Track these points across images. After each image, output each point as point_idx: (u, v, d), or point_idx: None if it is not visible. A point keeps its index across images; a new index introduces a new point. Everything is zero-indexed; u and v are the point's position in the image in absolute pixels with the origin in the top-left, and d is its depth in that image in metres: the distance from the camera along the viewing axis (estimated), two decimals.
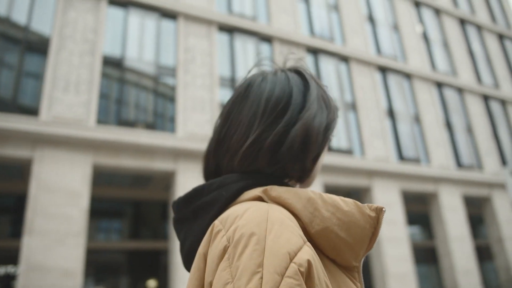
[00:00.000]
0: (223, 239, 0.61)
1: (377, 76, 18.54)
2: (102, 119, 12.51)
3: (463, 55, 22.22)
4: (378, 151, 16.59)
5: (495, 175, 19.79)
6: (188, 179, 12.80)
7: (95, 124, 12.08)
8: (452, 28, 22.56)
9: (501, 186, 19.69)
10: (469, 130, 20.58)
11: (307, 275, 0.58)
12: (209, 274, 0.61)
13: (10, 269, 12.75)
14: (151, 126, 13.03)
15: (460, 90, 21.13)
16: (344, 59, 17.87)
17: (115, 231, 16.57)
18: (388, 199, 16.02)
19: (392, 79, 18.76)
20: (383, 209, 0.67)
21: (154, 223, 15.84)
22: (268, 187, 0.70)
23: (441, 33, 22.23)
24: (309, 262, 0.58)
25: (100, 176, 13.64)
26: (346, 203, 0.67)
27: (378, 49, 19.23)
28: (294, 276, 0.55)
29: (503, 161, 21.00)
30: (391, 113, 18.14)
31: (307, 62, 16.71)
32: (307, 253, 0.59)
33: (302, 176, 0.78)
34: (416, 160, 17.64)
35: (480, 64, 22.81)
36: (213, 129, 0.90)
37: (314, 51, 17.15)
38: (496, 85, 22.91)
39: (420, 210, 19.50)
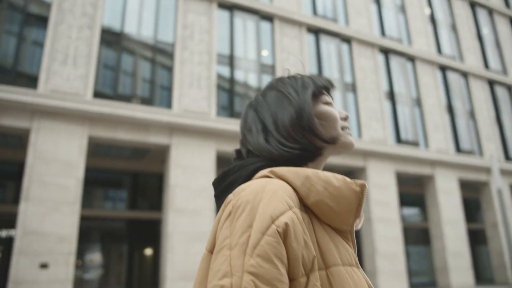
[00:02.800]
0: (230, 206, 0.78)
1: (380, 57, 18.41)
2: (99, 93, 12.82)
3: (471, 38, 21.82)
4: (375, 132, 16.65)
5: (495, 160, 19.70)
6: (182, 153, 13.12)
7: (92, 97, 12.39)
8: (462, 11, 22.09)
9: (500, 171, 19.64)
10: (472, 115, 20.41)
11: (285, 234, 0.71)
12: (218, 231, 0.77)
13: (12, 232, 13.40)
14: (147, 101, 13.31)
15: (465, 74, 20.85)
16: (347, 39, 17.76)
17: (113, 200, 17.12)
18: (383, 180, 16.18)
19: (395, 61, 18.61)
20: (366, 184, 0.83)
21: (151, 195, 16.30)
22: (276, 168, 0.85)
23: (450, 16, 21.80)
24: (286, 224, 0.72)
25: (100, 147, 14.07)
26: (337, 179, 0.82)
27: (383, 31, 19.03)
28: (272, 234, 0.70)
29: (505, 147, 20.85)
30: (391, 95, 18.09)
31: (308, 42, 16.70)
32: (288, 217, 0.73)
33: (305, 158, 0.93)
34: (414, 143, 17.67)
35: (488, 48, 22.38)
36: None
37: (316, 31, 17.07)
38: (504, 70, 22.52)
39: (416, 192, 19.63)
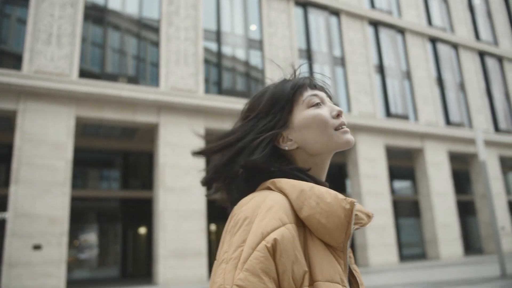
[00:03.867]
0: (232, 220, 0.81)
1: (369, 30, 18.23)
2: (84, 72, 12.65)
3: (462, 9, 21.61)
4: (364, 106, 16.64)
5: (484, 132, 19.84)
6: (170, 132, 13.09)
7: (77, 77, 12.24)
8: None
9: (490, 143, 19.80)
10: (462, 87, 20.41)
11: (273, 250, 0.74)
12: (221, 244, 0.82)
13: (4, 215, 13.45)
14: (134, 80, 13.17)
15: (455, 46, 20.75)
16: (335, 12, 17.53)
17: (105, 180, 17.15)
18: (372, 154, 16.28)
19: (385, 34, 18.45)
20: (355, 202, 0.81)
21: (143, 173, 16.34)
22: (276, 179, 0.86)
23: None
24: (275, 240, 0.74)
25: (89, 127, 13.99)
26: (330, 195, 0.81)
27: (372, 3, 18.78)
28: (261, 250, 0.73)
29: (494, 119, 20.96)
30: (381, 69, 18.01)
31: (296, 15, 16.46)
32: (278, 233, 0.75)
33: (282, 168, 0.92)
34: (404, 117, 17.71)
35: (480, 19, 22.20)
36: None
37: (304, 4, 16.81)
38: (495, 41, 22.40)
39: (407, 165, 19.81)
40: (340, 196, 0.82)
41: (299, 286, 0.75)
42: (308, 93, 0.95)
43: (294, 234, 0.77)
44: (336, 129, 0.93)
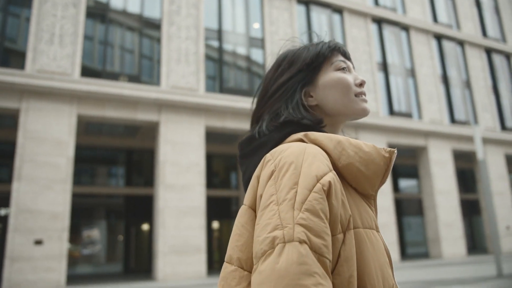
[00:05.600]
0: (272, 165, 0.81)
1: (373, 27, 18.13)
2: (86, 71, 12.85)
3: (469, 6, 21.33)
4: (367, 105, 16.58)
5: (490, 131, 19.61)
6: (171, 130, 13.23)
7: (79, 76, 12.45)
8: None
9: (495, 142, 19.57)
10: (467, 84, 20.18)
11: (328, 192, 0.76)
12: (260, 189, 0.81)
13: (7, 211, 13.75)
14: (135, 78, 13.33)
15: (461, 43, 20.51)
16: (338, 10, 17.47)
17: (108, 177, 17.40)
18: None
19: (389, 31, 18.33)
20: (395, 151, 0.87)
21: (146, 171, 16.53)
22: (309, 132, 0.88)
23: None
24: (330, 183, 0.76)
25: (92, 125, 14.22)
26: (367, 146, 0.86)
27: (376, 0, 18.66)
28: (318, 191, 0.74)
29: (501, 117, 20.69)
30: (384, 66, 17.90)
31: (298, 13, 16.47)
32: (330, 177, 0.77)
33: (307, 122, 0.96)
34: (408, 115, 17.60)
35: (487, 15, 21.90)
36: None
37: (306, 2, 16.79)
38: (503, 37, 22.09)
39: (411, 164, 19.70)
40: (377, 146, 0.87)
41: (344, 229, 0.78)
42: (338, 58, 1.01)
43: (339, 180, 0.81)
44: (357, 95, 0.99)
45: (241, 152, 0.98)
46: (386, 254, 0.88)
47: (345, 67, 1.00)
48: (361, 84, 1.00)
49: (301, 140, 0.87)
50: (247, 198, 0.85)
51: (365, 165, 0.84)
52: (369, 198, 0.89)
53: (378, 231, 0.87)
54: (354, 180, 0.85)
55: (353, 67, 1.04)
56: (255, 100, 1.05)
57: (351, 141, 0.86)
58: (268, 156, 0.85)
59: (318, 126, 0.94)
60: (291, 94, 0.97)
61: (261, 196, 0.80)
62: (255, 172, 0.86)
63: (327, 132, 0.94)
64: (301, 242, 0.69)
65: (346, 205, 0.80)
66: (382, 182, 0.88)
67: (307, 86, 0.99)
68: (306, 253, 0.69)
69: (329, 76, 0.98)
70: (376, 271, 0.81)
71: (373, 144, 0.86)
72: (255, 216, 0.82)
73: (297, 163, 0.78)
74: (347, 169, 0.83)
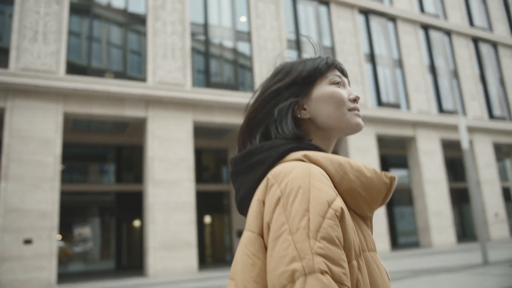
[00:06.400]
0: (277, 191, 0.78)
1: (360, 19, 18.14)
2: (72, 69, 12.77)
3: None
4: None
5: (478, 119, 19.78)
6: (159, 125, 13.21)
7: (64, 73, 12.36)
8: None
9: (484, 130, 19.75)
10: (455, 74, 20.31)
11: (341, 218, 0.75)
12: (267, 216, 0.78)
13: None
14: (121, 75, 13.27)
15: (448, 33, 20.60)
16: (325, 2, 17.45)
17: (99, 174, 17.35)
18: (363, 143, 16.32)
19: (376, 22, 18.36)
20: (395, 177, 0.86)
21: (136, 167, 16.50)
22: (309, 152, 0.86)
23: None
24: (342, 209, 0.76)
25: (79, 122, 14.15)
26: (368, 170, 0.85)
27: None
28: (332, 218, 0.73)
29: (489, 106, 20.86)
30: (371, 57, 17.95)
31: (285, 6, 16.44)
32: (340, 202, 0.77)
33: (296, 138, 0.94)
34: (396, 105, 17.69)
35: (473, 4, 21.99)
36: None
37: None
38: (490, 26, 22.20)
39: (401, 154, 19.84)
40: (378, 171, 0.87)
41: (357, 255, 0.78)
42: (335, 72, 1.01)
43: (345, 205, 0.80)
44: (350, 110, 0.98)
45: (234, 169, 0.95)
46: (386, 274, 0.88)
47: (339, 82, 1.00)
48: (355, 100, 0.99)
49: (301, 160, 0.85)
50: (253, 225, 0.81)
51: (366, 190, 0.84)
52: (366, 219, 0.89)
53: (376, 252, 0.87)
54: (354, 203, 0.84)
55: (349, 84, 1.04)
56: (249, 107, 1.02)
57: (352, 164, 0.85)
58: (271, 179, 0.82)
59: (307, 141, 0.93)
60: (284, 106, 0.96)
61: (268, 224, 0.78)
62: (258, 195, 0.83)
63: (320, 146, 0.93)
64: (323, 272, 0.68)
65: (355, 231, 0.80)
66: (381, 205, 0.89)
67: (301, 99, 0.98)
68: (329, 283, 0.67)
69: (323, 89, 0.98)
70: None
71: (374, 168, 0.86)
72: (265, 244, 0.79)
73: (305, 187, 0.76)
74: (348, 193, 0.83)
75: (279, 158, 0.88)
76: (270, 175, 0.83)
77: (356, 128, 0.98)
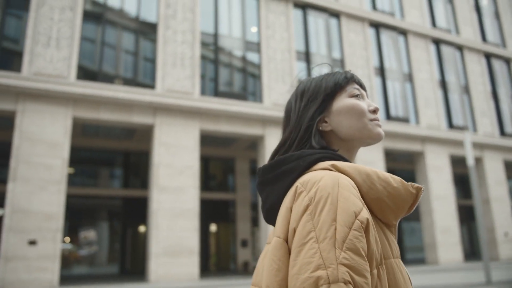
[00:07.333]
0: (306, 198, 0.80)
1: (370, 32, 18.16)
2: (82, 74, 13.02)
3: (469, 10, 21.30)
4: None
5: (488, 136, 19.54)
6: (166, 132, 13.36)
7: (75, 79, 12.62)
8: None
9: (493, 147, 19.49)
10: (466, 89, 20.13)
11: (366, 229, 0.77)
12: (293, 222, 0.80)
13: (1, 211, 13.90)
14: (130, 81, 13.48)
15: (460, 48, 20.47)
16: (335, 14, 17.53)
17: (106, 179, 17.55)
18: (370, 157, 16.23)
19: (386, 36, 18.36)
20: (422, 188, 0.88)
21: (143, 173, 16.66)
22: (337, 162, 0.89)
23: None
24: (368, 220, 0.78)
25: (89, 127, 14.38)
26: (395, 180, 0.87)
27: (374, 5, 18.70)
28: (358, 229, 0.75)
29: (500, 123, 20.60)
30: (381, 71, 17.92)
31: (295, 17, 16.57)
32: (366, 213, 0.79)
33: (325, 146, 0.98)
34: (404, 119, 17.59)
35: (486, 20, 21.84)
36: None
37: (303, 6, 16.88)
38: (503, 42, 22.01)
39: (408, 169, 19.65)
40: (404, 181, 0.89)
41: (378, 264, 0.81)
42: (353, 85, 1.04)
43: (370, 215, 0.83)
44: (371, 120, 1.01)
45: (261, 179, 0.97)
46: (409, 280, 0.90)
47: (358, 94, 1.03)
48: (374, 111, 1.02)
49: (329, 170, 0.87)
50: (280, 231, 0.84)
51: (393, 200, 0.86)
52: (391, 227, 0.91)
53: (400, 258, 0.90)
54: (380, 212, 0.87)
55: (367, 96, 1.07)
56: (284, 132, 1.06)
57: (379, 174, 0.87)
58: (300, 187, 0.84)
59: (334, 152, 0.95)
60: (311, 123, 1.00)
61: (294, 229, 0.80)
62: (286, 203, 0.86)
63: (345, 157, 0.96)
64: (346, 283, 0.70)
65: (378, 240, 0.83)
66: (407, 214, 0.91)
67: (322, 113, 1.01)
68: None
69: (343, 102, 1.01)
70: None
71: (401, 179, 0.88)
72: (289, 249, 0.82)
73: (333, 197, 0.78)
74: (375, 202, 0.85)
75: (307, 167, 0.90)
76: (299, 183, 0.85)
77: (377, 138, 1.01)
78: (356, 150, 1.04)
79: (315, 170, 0.88)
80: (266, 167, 0.96)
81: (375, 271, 0.78)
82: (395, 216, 0.88)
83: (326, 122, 1.01)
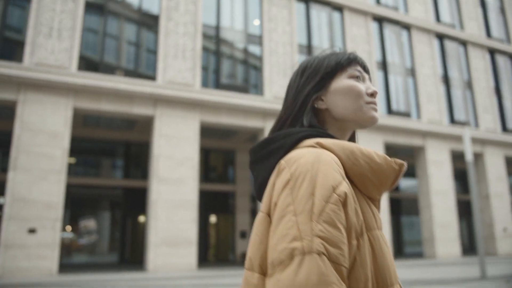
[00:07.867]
0: (287, 174, 0.82)
1: (373, 26, 18.07)
2: (83, 65, 13.09)
3: (473, 5, 21.12)
4: None
5: (490, 132, 19.48)
6: (166, 124, 13.42)
7: (76, 69, 12.68)
8: None
9: (495, 143, 19.44)
10: (469, 85, 20.03)
11: (344, 202, 0.79)
12: (275, 196, 0.83)
13: (2, 200, 14.06)
14: (131, 73, 13.53)
15: (464, 43, 20.34)
16: (338, 8, 17.45)
17: (106, 169, 17.68)
18: None
19: (389, 30, 18.26)
20: (404, 163, 0.90)
21: (143, 164, 16.76)
22: (322, 140, 0.90)
23: None
24: (345, 194, 0.79)
25: (90, 118, 14.47)
26: (378, 157, 0.88)
27: None
28: (335, 202, 0.77)
29: (503, 119, 20.51)
30: (383, 65, 17.86)
31: (298, 11, 16.52)
32: (345, 187, 0.80)
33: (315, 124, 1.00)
34: (406, 114, 17.56)
35: (491, 15, 21.66)
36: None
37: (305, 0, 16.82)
38: (507, 38, 21.84)
39: (409, 163, 19.65)
40: (388, 158, 0.90)
41: (358, 235, 0.82)
42: (355, 67, 1.04)
43: (351, 189, 0.84)
44: (367, 103, 1.01)
45: (253, 158, 0.99)
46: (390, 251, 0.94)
47: (359, 76, 1.03)
48: (372, 94, 1.02)
49: (313, 147, 0.89)
50: (264, 206, 0.87)
51: (376, 175, 0.88)
52: (375, 201, 0.93)
53: (380, 230, 0.93)
54: (363, 186, 0.89)
55: (370, 80, 1.06)
56: (282, 106, 1.08)
57: (363, 150, 0.89)
58: (283, 163, 0.86)
59: (321, 129, 0.97)
60: (306, 100, 1.01)
61: (275, 204, 0.82)
62: (272, 180, 0.88)
63: (333, 134, 0.98)
64: (320, 253, 0.73)
65: (359, 212, 0.84)
66: (389, 189, 0.94)
67: (320, 91, 1.02)
68: (324, 264, 0.72)
69: (341, 82, 1.01)
70: (393, 266, 0.89)
71: (385, 155, 0.90)
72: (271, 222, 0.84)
73: (313, 172, 0.80)
74: (358, 178, 0.88)
75: (293, 145, 0.92)
76: (283, 160, 0.88)
77: (371, 121, 1.01)
78: (349, 132, 1.05)
79: (300, 147, 0.90)
80: (256, 146, 0.99)
81: (354, 242, 0.80)
82: (378, 191, 0.90)
83: (322, 100, 1.01)
